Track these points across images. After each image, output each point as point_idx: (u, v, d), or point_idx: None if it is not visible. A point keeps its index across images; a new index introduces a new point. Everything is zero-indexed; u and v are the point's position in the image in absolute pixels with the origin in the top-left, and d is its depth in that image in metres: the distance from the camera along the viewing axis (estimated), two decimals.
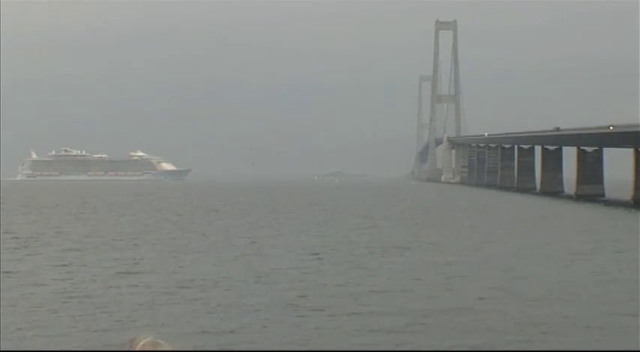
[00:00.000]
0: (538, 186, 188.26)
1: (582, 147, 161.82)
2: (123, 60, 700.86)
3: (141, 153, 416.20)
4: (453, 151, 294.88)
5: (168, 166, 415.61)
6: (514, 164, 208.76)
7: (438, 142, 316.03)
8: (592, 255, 53.50)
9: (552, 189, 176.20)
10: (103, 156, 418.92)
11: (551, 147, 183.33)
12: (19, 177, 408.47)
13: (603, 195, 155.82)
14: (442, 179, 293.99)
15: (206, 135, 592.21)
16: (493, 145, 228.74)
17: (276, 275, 43.05)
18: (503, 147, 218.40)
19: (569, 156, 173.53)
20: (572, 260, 50.80)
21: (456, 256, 52.27)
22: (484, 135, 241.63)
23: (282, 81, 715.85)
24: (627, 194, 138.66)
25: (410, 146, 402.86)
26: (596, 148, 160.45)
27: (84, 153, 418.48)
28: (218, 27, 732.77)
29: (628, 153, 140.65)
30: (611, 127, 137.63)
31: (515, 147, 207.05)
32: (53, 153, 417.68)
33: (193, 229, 76.37)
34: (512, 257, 52.14)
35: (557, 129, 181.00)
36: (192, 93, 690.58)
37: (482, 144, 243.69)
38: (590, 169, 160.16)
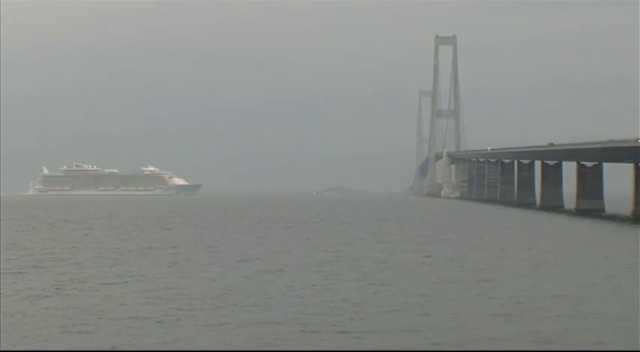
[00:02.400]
0: (538, 201, 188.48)
1: (582, 162, 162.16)
2: (133, 74, 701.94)
3: (152, 168, 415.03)
4: (453, 166, 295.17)
5: (179, 181, 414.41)
6: (514, 179, 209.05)
7: (438, 157, 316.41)
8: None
9: (552, 204, 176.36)
10: (115, 171, 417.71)
11: (550, 162, 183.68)
12: (30, 192, 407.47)
13: (603, 210, 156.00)
14: (442, 194, 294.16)
15: (211, 149, 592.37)
16: (493, 160, 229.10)
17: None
18: (503, 162, 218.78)
19: (569, 171, 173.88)
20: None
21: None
22: (484, 150, 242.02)
23: (281, 94, 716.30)
24: (627, 209, 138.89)
25: (410, 161, 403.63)
26: (596, 163, 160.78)
27: (95, 168, 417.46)
28: (224, 41, 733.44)
29: (628, 169, 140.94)
30: None
31: (515, 162, 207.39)
32: (64, 168, 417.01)
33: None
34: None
35: (552, 144, 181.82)
36: (197, 107, 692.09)
37: (482, 159, 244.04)
38: (590, 184, 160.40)
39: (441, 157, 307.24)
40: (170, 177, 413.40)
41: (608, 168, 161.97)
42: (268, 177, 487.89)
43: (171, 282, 47.22)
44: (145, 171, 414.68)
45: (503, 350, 27.80)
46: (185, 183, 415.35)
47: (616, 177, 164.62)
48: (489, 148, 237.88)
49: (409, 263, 58.73)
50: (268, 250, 69.65)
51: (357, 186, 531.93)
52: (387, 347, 29.02)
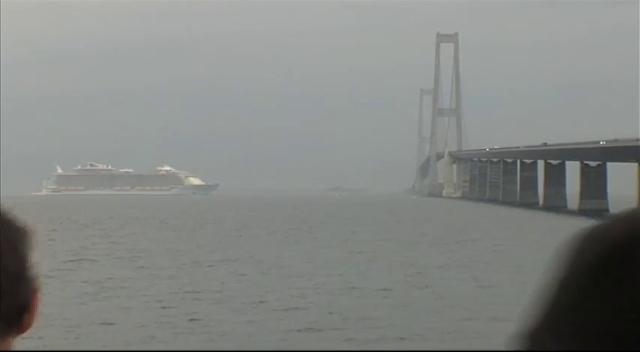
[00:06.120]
0: (541, 201, 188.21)
1: (585, 162, 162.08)
2: (144, 73, 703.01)
3: (168, 168, 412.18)
4: (455, 166, 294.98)
5: (195, 181, 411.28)
6: (516, 178, 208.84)
7: (439, 156, 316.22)
8: None
9: (555, 204, 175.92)
10: (130, 170, 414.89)
11: (554, 162, 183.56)
12: (43, 192, 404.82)
13: (607, 210, 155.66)
14: (443, 194, 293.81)
15: (220, 149, 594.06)
16: (495, 159, 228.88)
17: None
18: (506, 162, 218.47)
19: (573, 170, 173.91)
20: None
21: None
22: (486, 149, 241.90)
23: (280, 94, 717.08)
24: None
25: (410, 160, 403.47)
26: (600, 163, 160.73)
27: (110, 167, 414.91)
28: (226, 40, 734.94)
29: (632, 168, 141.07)
30: None
31: (518, 161, 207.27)
32: (79, 167, 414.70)
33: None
34: None
35: (545, 144, 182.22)
36: (203, 106, 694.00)
37: (484, 159, 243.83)
38: (594, 184, 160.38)
39: (443, 157, 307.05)
40: (186, 177, 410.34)
41: (612, 168, 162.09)
42: (275, 176, 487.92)
43: None
44: (160, 170, 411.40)
45: (500, 350, 27.91)
46: (201, 182, 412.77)
47: (620, 177, 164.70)
48: (488, 148, 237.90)
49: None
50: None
51: (356, 185, 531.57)
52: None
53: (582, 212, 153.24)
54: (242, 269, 56.27)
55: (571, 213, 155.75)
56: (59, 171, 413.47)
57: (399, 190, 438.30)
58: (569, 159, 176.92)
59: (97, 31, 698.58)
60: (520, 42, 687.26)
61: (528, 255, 66.06)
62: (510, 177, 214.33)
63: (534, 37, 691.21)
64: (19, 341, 1.98)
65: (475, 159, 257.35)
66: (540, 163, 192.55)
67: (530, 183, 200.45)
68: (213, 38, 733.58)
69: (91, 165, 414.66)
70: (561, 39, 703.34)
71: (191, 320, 36.36)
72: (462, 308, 38.45)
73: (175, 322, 35.86)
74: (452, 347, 28.74)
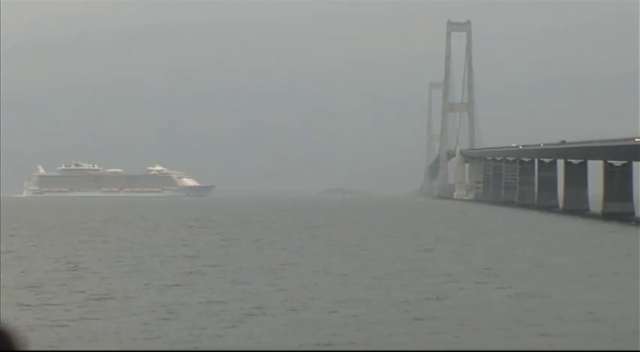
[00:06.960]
0: (561, 204, 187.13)
1: (609, 161, 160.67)
2: (134, 69, 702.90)
3: (159, 168, 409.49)
4: (467, 165, 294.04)
5: (189, 182, 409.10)
6: (534, 179, 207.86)
7: (450, 155, 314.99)
8: None
9: (576, 207, 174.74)
10: (118, 170, 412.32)
11: (574, 161, 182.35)
12: (24, 194, 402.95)
13: (633, 213, 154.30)
14: (455, 196, 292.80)
15: (216, 148, 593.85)
16: (511, 159, 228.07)
17: None
18: (522, 161, 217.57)
19: (595, 170, 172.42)
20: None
21: None
22: (501, 147, 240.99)
23: (279, 90, 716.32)
24: None
25: (419, 159, 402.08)
26: (625, 162, 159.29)
27: (97, 167, 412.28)
28: (225, 34, 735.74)
29: None
30: None
31: (536, 160, 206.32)
32: (63, 167, 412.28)
33: None
34: None
35: (563, 142, 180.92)
36: (200, 104, 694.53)
37: (498, 158, 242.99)
38: (619, 185, 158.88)
39: (454, 155, 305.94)
40: (179, 178, 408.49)
41: (639, 168, 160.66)
42: (272, 175, 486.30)
43: None
44: (151, 170, 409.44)
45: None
46: (196, 183, 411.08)
47: None
48: (504, 146, 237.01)
49: None
50: None
51: (360, 187, 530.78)
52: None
53: (606, 215, 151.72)
54: (241, 278, 55.14)
55: (594, 216, 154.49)
56: (41, 171, 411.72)
57: (406, 192, 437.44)
58: (591, 158, 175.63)
59: (81, 23, 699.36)
60: (536, 32, 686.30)
61: (563, 263, 64.85)
62: (527, 178, 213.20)
63: (551, 28, 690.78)
64: None
65: (489, 158, 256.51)
66: (560, 163, 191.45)
67: (549, 184, 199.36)
68: (209, 29, 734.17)
69: (77, 164, 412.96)
70: (586, 29, 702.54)
71: (188, 334, 35.37)
72: (490, 325, 37.13)
73: (169, 335, 34.80)
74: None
